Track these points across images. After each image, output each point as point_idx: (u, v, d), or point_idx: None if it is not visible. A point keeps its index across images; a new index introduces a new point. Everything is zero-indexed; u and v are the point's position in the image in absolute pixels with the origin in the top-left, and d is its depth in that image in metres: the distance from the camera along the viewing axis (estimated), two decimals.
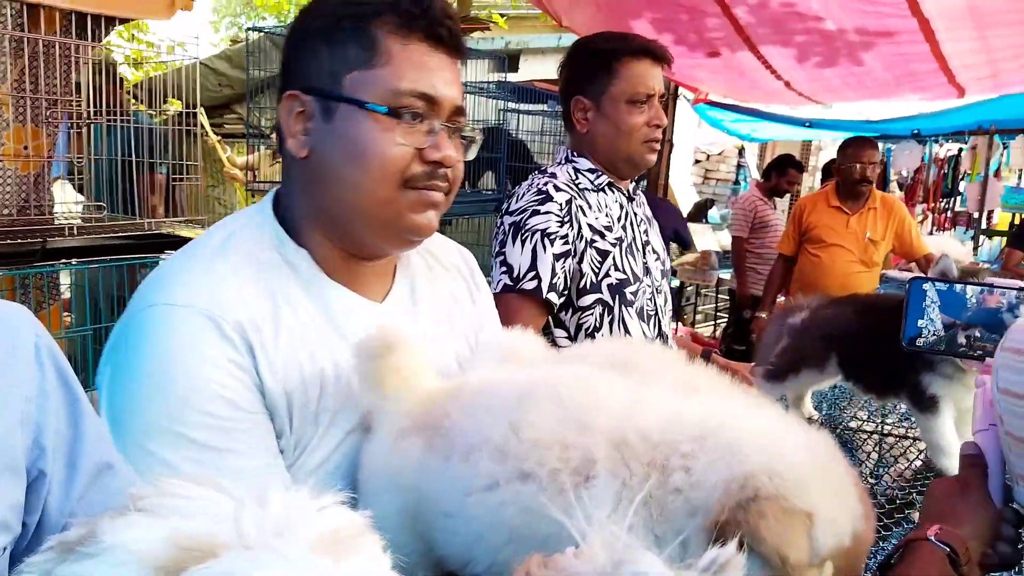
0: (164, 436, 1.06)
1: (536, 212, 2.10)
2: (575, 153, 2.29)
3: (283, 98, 1.20)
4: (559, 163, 2.31)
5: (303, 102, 1.20)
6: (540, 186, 2.16)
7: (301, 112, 1.20)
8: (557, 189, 2.14)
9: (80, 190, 4.36)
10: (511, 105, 5.12)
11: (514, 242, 2.10)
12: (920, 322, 1.30)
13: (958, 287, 1.29)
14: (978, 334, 1.27)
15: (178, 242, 3.40)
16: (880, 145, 8.15)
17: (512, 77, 5.67)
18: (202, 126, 6.67)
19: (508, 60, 5.74)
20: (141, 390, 1.08)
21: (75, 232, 3.28)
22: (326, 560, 0.52)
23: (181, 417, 1.07)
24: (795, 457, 0.84)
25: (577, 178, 2.24)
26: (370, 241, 1.26)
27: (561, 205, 2.11)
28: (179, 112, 4.03)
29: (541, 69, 7.93)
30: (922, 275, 1.37)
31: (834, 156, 6.16)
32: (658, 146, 2.27)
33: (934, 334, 1.29)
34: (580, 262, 2.14)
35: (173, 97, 4.22)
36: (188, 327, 1.10)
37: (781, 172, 7.00)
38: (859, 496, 0.88)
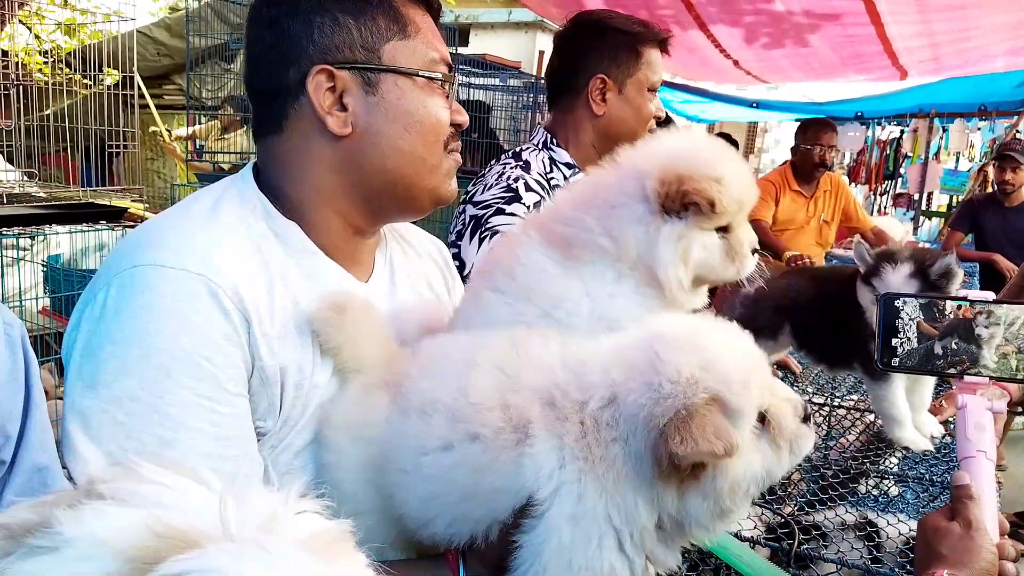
0: (136, 407, 0.97)
1: (501, 211, 1.95)
2: (554, 140, 2.16)
3: (312, 75, 1.12)
4: (536, 147, 2.16)
5: (335, 77, 1.13)
6: (510, 182, 2.00)
7: (330, 88, 1.14)
8: (528, 188, 1.99)
9: (9, 159, 4.18)
10: (463, 79, 5.04)
11: (472, 238, 1.96)
12: (895, 341, 1.23)
13: (931, 300, 1.23)
14: (955, 345, 1.20)
15: (114, 212, 3.27)
16: None
17: (462, 51, 5.58)
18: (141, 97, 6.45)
19: (458, 33, 5.66)
20: (118, 355, 0.98)
21: (4, 201, 3.12)
22: (315, 560, 0.48)
23: (158, 389, 0.98)
24: (682, 357, 0.89)
25: (551, 171, 2.10)
26: (402, 211, 1.26)
27: (529, 208, 1.96)
28: (116, 81, 3.88)
29: (491, 43, 7.84)
30: (893, 292, 1.30)
31: (779, 138, 6.22)
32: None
33: (910, 351, 1.23)
34: None
35: (109, 67, 4.06)
36: (179, 291, 1.01)
37: None
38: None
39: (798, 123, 5.33)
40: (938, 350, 1.21)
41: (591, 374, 0.94)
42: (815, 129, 4.91)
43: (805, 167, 4.93)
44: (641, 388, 0.88)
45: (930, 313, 1.22)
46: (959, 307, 1.20)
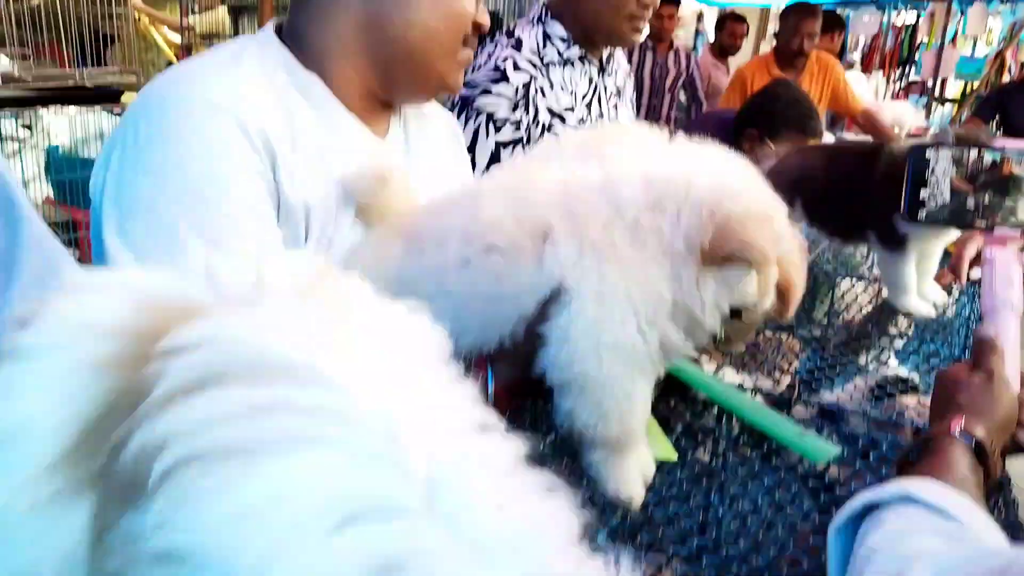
0: (172, 231, 1.01)
1: (487, 91, 1.89)
2: (549, 13, 2.02)
3: None
4: (530, 21, 2.05)
5: None
6: (499, 61, 1.92)
7: None
8: (516, 68, 1.90)
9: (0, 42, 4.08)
10: None
11: (458, 118, 1.87)
12: (923, 192, 1.20)
13: (969, 152, 1.18)
14: (987, 200, 1.16)
15: (112, 94, 3.21)
16: (839, 11, 8.05)
17: None
18: None
19: None
20: (153, 184, 1.02)
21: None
22: (310, 304, 0.47)
23: (194, 213, 1.02)
24: (736, 181, 0.98)
25: (544, 47, 1.98)
26: (411, 87, 1.28)
27: (517, 88, 1.88)
28: None
29: None
30: (924, 143, 1.23)
31: None
32: (643, 26, 1.98)
33: (939, 203, 1.19)
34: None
35: None
36: (208, 123, 1.04)
37: (721, 29, 6.85)
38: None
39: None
40: (970, 204, 1.19)
41: (622, 191, 0.99)
42: (795, 18, 4.72)
43: (787, 54, 4.79)
44: (709, 190, 0.95)
45: (963, 165, 1.19)
46: (994, 160, 1.17)
